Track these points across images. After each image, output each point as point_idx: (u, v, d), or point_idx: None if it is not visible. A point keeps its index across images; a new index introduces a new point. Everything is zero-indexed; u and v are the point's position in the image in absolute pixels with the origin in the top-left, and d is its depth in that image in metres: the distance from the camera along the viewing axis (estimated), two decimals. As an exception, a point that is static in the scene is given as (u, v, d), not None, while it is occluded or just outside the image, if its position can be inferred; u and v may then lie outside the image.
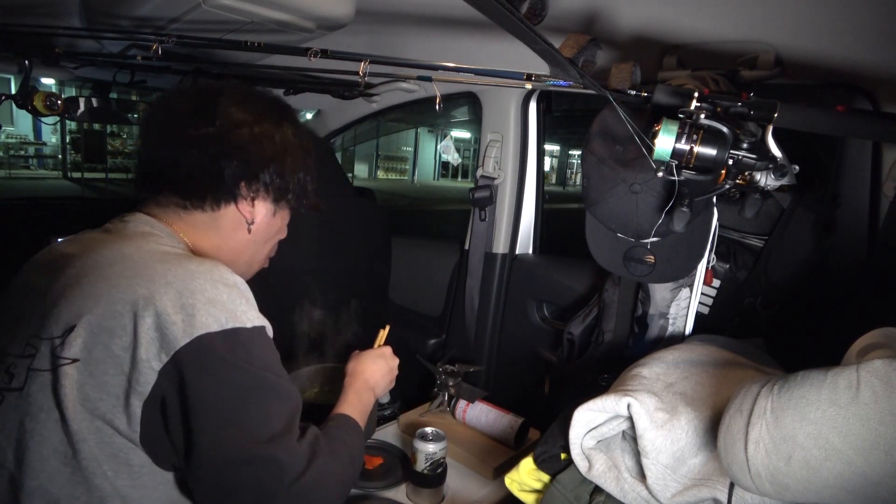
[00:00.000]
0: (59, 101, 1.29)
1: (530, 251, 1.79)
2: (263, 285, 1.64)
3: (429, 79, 1.05)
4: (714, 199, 0.95)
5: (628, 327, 1.17)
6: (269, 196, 0.86)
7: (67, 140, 13.80)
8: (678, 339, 1.08)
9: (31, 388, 0.68)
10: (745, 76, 1.06)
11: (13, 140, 13.76)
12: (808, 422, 0.54)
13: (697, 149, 0.72)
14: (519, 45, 0.63)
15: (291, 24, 1.18)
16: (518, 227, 1.74)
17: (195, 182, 0.81)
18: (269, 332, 0.75)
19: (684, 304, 1.07)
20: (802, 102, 0.69)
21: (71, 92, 1.40)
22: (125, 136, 14.05)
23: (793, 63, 1.04)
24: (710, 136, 0.72)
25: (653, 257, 0.99)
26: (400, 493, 1.15)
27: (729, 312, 1.06)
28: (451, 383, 1.39)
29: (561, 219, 2.01)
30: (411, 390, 1.60)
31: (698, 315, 1.07)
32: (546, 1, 0.98)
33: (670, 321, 1.09)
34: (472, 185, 1.75)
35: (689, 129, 0.72)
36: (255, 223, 0.87)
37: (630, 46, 1.19)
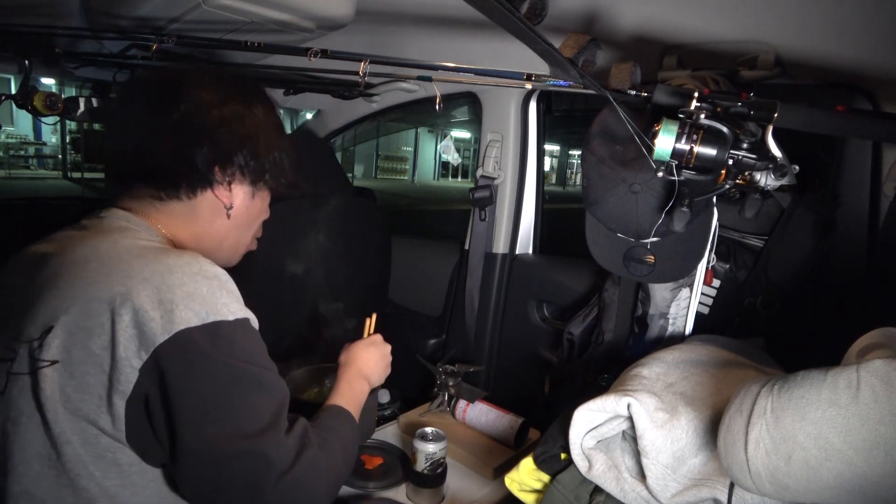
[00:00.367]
0: (59, 101, 1.29)
1: (530, 251, 1.79)
2: (264, 285, 1.65)
3: (429, 79, 1.05)
4: (714, 199, 0.95)
5: (628, 327, 1.17)
6: (245, 179, 0.84)
7: (67, 140, 13.80)
8: (678, 339, 1.08)
9: (11, 392, 0.67)
10: (745, 76, 1.06)
11: (13, 140, 13.75)
12: (808, 422, 0.54)
13: (697, 149, 0.72)
14: (519, 45, 0.63)
15: (291, 24, 1.18)
16: (518, 227, 1.74)
17: (167, 171, 0.78)
18: (254, 323, 0.73)
19: (684, 304, 1.07)
20: (802, 102, 0.69)
21: (71, 92, 1.40)
22: (125, 136, 14.00)
23: (793, 63, 1.04)
24: (710, 136, 0.72)
25: (653, 257, 0.99)
26: (400, 493, 1.15)
27: (729, 312, 1.06)
28: (451, 383, 1.39)
29: (561, 219, 2.01)
30: (411, 390, 1.61)
31: (698, 315, 1.07)
32: (546, 1, 0.98)
33: (670, 321, 1.09)
34: (472, 185, 1.75)
35: (689, 129, 0.72)
36: (233, 208, 0.84)
37: (630, 46, 1.19)
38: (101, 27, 1.28)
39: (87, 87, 1.60)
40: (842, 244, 1.05)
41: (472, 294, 1.77)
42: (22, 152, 14.11)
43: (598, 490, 0.81)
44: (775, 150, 0.72)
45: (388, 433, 1.36)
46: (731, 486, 0.67)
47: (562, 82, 0.84)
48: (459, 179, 23.48)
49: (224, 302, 0.69)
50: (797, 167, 0.86)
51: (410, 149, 22.31)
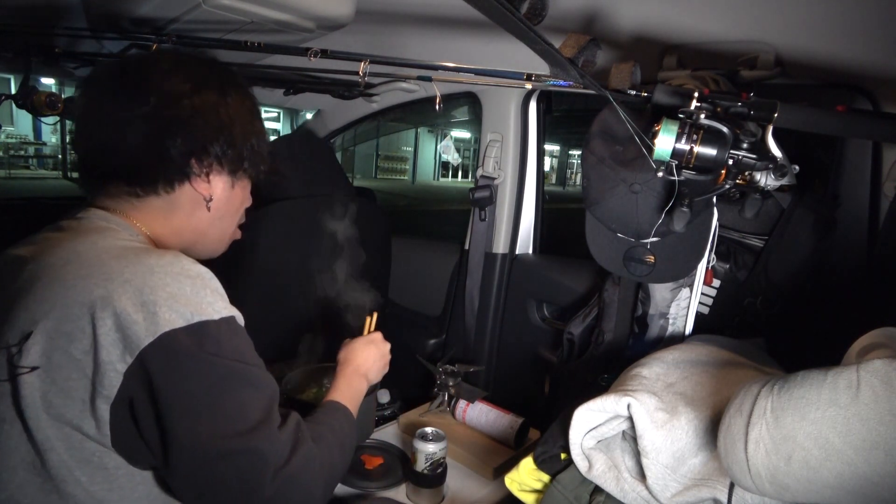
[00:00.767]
0: (59, 101, 1.29)
1: (530, 251, 1.79)
2: (263, 285, 1.64)
3: (429, 79, 1.05)
4: (714, 199, 0.95)
5: (628, 327, 1.17)
6: (223, 169, 0.81)
7: (67, 140, 13.78)
8: (678, 339, 1.08)
9: None
10: (745, 76, 1.06)
11: (13, 140, 13.75)
12: (808, 422, 0.54)
13: (697, 149, 0.72)
14: (519, 45, 0.63)
15: (291, 24, 1.18)
16: (518, 227, 1.74)
17: (141, 167, 0.75)
18: (240, 320, 0.72)
19: (684, 304, 1.07)
20: (802, 102, 0.69)
21: (71, 92, 1.40)
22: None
23: (793, 63, 1.04)
24: (710, 136, 0.72)
25: (653, 257, 0.99)
26: (400, 493, 1.15)
27: (729, 312, 1.06)
28: (451, 383, 1.39)
29: (561, 219, 2.01)
30: (411, 390, 1.61)
31: (698, 315, 1.07)
32: (546, 1, 0.98)
33: (670, 321, 1.09)
34: (472, 185, 1.75)
35: (689, 129, 0.72)
36: (213, 199, 0.81)
37: (630, 46, 1.19)
38: (101, 27, 1.28)
39: (87, 87, 1.59)
40: (842, 244, 1.05)
41: (471, 294, 1.77)
42: (22, 152, 14.10)
43: (598, 490, 0.81)
44: (775, 150, 0.72)
45: (388, 433, 1.36)
46: (731, 486, 0.67)
47: (562, 82, 0.84)
48: (459, 179, 23.48)
49: (209, 301, 0.67)
50: (797, 167, 0.86)
51: (410, 149, 22.31)
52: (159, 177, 0.76)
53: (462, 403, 1.37)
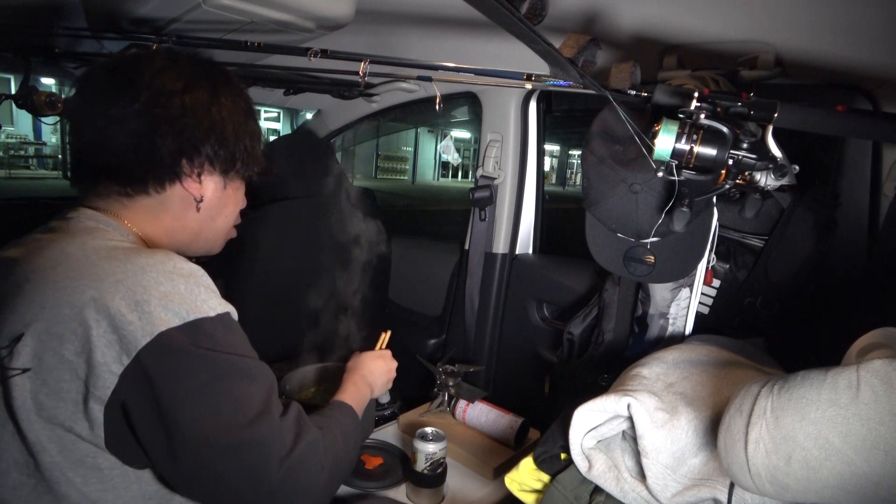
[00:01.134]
0: (59, 101, 1.29)
1: (530, 251, 1.79)
2: (263, 285, 1.64)
3: (429, 79, 1.05)
4: (714, 199, 0.95)
5: (628, 327, 1.17)
6: (215, 169, 0.80)
7: (67, 140, 13.75)
8: (678, 339, 1.08)
9: None
10: (745, 76, 1.06)
11: (13, 140, 13.74)
12: (808, 422, 0.54)
13: (697, 149, 0.72)
14: (519, 45, 0.63)
15: (291, 24, 1.18)
16: (518, 227, 1.74)
17: (131, 166, 0.74)
18: (234, 315, 0.72)
19: (684, 304, 1.07)
20: (802, 102, 0.69)
21: (71, 92, 1.40)
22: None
23: (793, 63, 1.04)
24: (710, 136, 0.72)
25: (653, 257, 0.99)
26: (400, 493, 1.15)
27: (729, 312, 1.06)
28: (451, 383, 1.39)
29: (561, 219, 2.01)
30: (411, 390, 1.61)
31: (698, 315, 1.07)
32: (546, 1, 0.98)
33: (670, 321, 1.09)
34: (472, 185, 1.75)
35: (689, 129, 0.72)
36: (204, 200, 0.80)
37: (630, 46, 1.19)
38: (101, 27, 1.28)
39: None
40: (842, 244, 1.05)
41: (471, 294, 1.77)
42: (22, 152, 14.09)
43: (598, 490, 0.81)
44: (775, 150, 0.72)
45: (388, 433, 1.36)
46: (731, 486, 0.67)
47: (562, 82, 0.84)
48: (459, 179, 23.48)
49: (203, 298, 0.67)
50: (797, 167, 0.86)
51: (410, 149, 22.30)
52: (149, 176, 0.76)
53: (462, 403, 1.37)
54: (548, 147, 2.26)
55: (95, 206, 0.77)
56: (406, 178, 22.16)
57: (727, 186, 0.76)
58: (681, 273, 1.02)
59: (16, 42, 1.28)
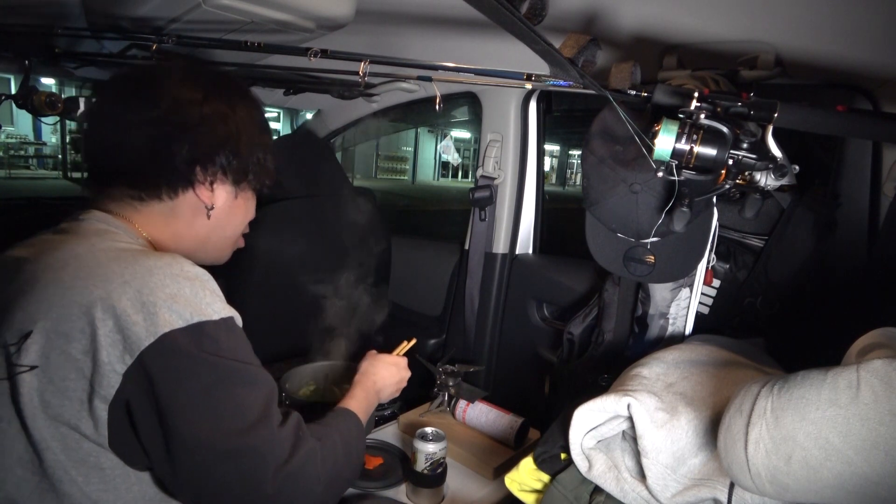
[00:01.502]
0: (59, 101, 1.29)
1: (530, 251, 1.79)
2: (263, 284, 1.64)
3: (429, 79, 1.05)
4: (714, 199, 0.95)
5: (628, 327, 1.17)
6: (227, 179, 0.82)
7: (67, 140, 13.78)
8: (678, 339, 1.08)
9: None
10: (745, 76, 1.06)
11: (13, 140, 13.74)
12: (808, 422, 0.54)
13: (697, 149, 0.72)
14: (519, 45, 0.63)
15: (291, 24, 1.18)
16: (518, 227, 1.74)
17: (146, 171, 0.77)
18: (238, 321, 0.73)
19: (684, 304, 1.07)
20: (802, 102, 0.69)
21: (71, 92, 1.40)
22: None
23: (793, 63, 1.04)
24: (710, 136, 0.72)
25: (653, 257, 0.99)
26: (400, 493, 1.15)
27: (729, 312, 1.06)
28: (451, 383, 1.39)
29: (561, 219, 2.01)
30: (411, 390, 1.60)
31: (698, 315, 1.07)
32: (546, 1, 0.98)
33: (670, 321, 1.09)
34: (472, 185, 1.75)
35: (689, 129, 0.72)
36: (214, 208, 0.82)
37: (630, 46, 1.19)
38: (101, 27, 1.28)
39: (87, 87, 1.60)
40: (842, 244, 1.05)
41: (471, 294, 1.77)
42: (22, 152, 14.09)
43: (598, 490, 0.81)
44: (775, 150, 0.72)
45: (388, 433, 1.36)
46: (731, 486, 0.67)
47: (562, 82, 0.84)
48: (459, 179, 23.48)
49: (207, 302, 0.68)
50: (797, 167, 0.86)
51: (410, 149, 22.30)
52: (163, 182, 0.78)
53: (462, 403, 1.37)
54: (548, 147, 2.27)
55: (107, 209, 0.79)
56: (406, 178, 22.16)
57: (727, 186, 0.76)
58: (681, 273, 1.02)
59: (16, 42, 1.28)
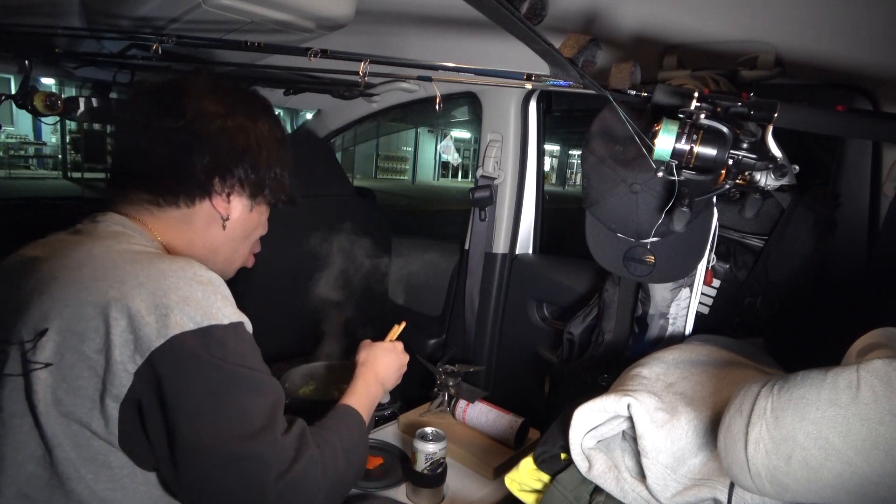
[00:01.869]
0: (59, 101, 1.29)
1: (530, 251, 1.79)
2: (263, 284, 1.64)
3: (429, 79, 1.05)
4: (714, 199, 0.95)
5: (628, 327, 1.17)
6: (244, 191, 0.84)
7: (67, 140, 13.78)
8: (678, 339, 1.08)
9: (2, 393, 0.67)
10: (745, 76, 1.06)
11: (13, 140, 13.74)
12: (808, 422, 0.54)
13: (697, 149, 0.72)
14: (519, 45, 0.63)
15: (291, 24, 1.18)
16: (518, 227, 1.74)
17: (166, 179, 0.79)
18: (248, 326, 0.73)
19: (684, 304, 1.07)
20: (802, 102, 0.69)
21: (71, 92, 1.40)
22: (125, 137, 14.00)
23: (793, 63, 1.04)
24: (710, 136, 0.72)
25: (653, 257, 0.99)
26: (400, 493, 1.15)
27: (729, 312, 1.06)
28: (451, 383, 1.39)
29: (561, 219, 2.01)
30: (411, 390, 1.61)
31: (698, 315, 1.07)
32: (546, 1, 0.98)
33: (670, 321, 1.09)
34: (472, 185, 1.75)
35: (689, 129, 0.72)
36: (230, 219, 0.85)
37: (630, 46, 1.19)
38: (101, 27, 1.28)
39: (87, 87, 1.60)
40: (842, 244, 1.05)
41: (472, 294, 1.77)
42: (22, 152, 14.10)
43: (598, 490, 0.81)
44: (775, 150, 0.72)
45: (388, 433, 1.36)
46: (731, 486, 0.67)
47: (562, 82, 0.84)
48: (459, 179, 23.48)
49: (218, 306, 0.69)
50: (797, 167, 0.86)
51: (410, 149, 22.30)
52: (182, 190, 0.80)
53: (462, 403, 1.37)
54: (548, 147, 2.27)
55: (125, 212, 0.80)
56: (406, 177, 22.17)
57: (727, 186, 0.76)
58: (681, 273, 1.02)
59: (16, 42, 1.28)
